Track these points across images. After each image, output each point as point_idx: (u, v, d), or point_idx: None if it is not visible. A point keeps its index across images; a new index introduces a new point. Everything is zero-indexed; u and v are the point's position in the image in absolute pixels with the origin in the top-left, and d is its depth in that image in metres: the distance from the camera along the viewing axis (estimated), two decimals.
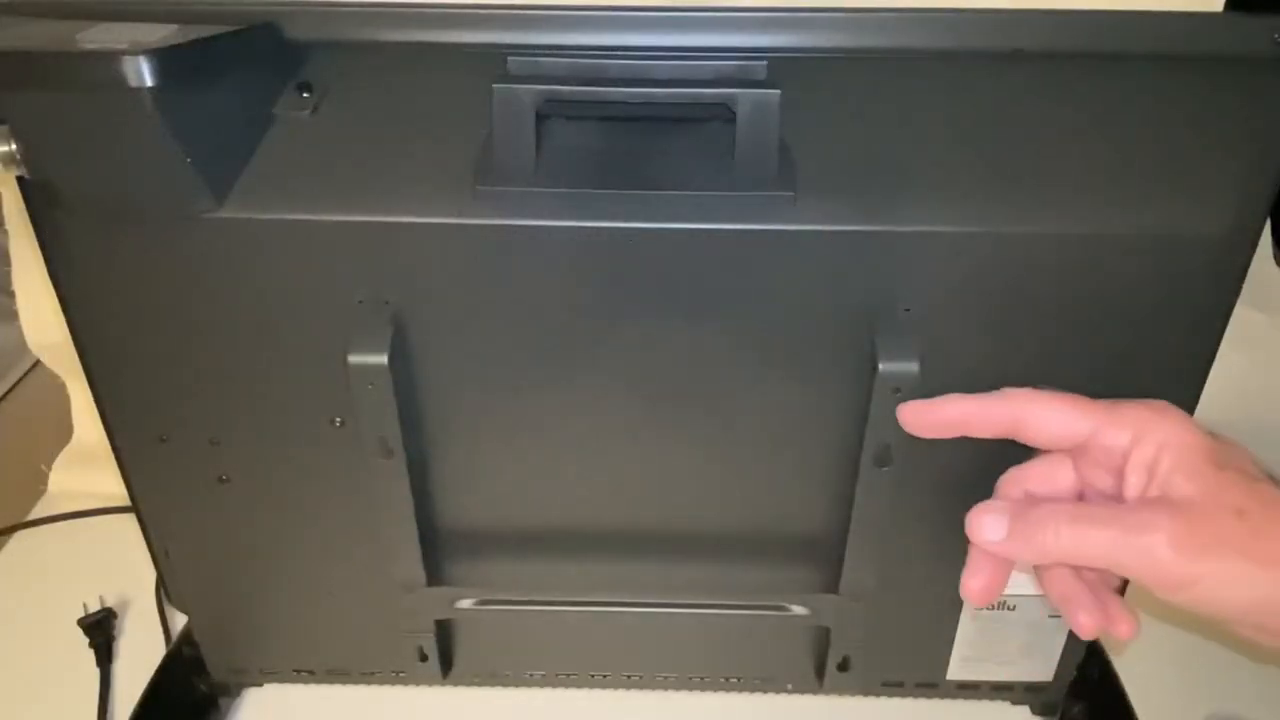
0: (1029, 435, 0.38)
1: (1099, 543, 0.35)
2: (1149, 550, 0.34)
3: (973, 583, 0.40)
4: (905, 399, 0.43)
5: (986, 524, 0.39)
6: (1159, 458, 0.35)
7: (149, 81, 0.37)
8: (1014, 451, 0.48)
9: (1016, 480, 0.42)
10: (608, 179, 0.41)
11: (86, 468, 0.74)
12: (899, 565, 0.50)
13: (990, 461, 0.47)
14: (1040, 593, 0.50)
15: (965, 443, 0.46)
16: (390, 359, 0.42)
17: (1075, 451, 0.37)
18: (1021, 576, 0.52)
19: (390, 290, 0.42)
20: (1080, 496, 0.40)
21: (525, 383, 0.45)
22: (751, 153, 0.40)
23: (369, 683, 0.59)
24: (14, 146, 0.39)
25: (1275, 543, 0.33)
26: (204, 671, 0.58)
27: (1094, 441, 0.37)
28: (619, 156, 0.42)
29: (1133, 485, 0.36)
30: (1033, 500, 0.40)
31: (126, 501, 0.51)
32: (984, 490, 0.49)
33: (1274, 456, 0.77)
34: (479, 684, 0.59)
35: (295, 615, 0.56)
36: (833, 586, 0.51)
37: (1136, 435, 0.36)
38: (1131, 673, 0.57)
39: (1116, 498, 0.38)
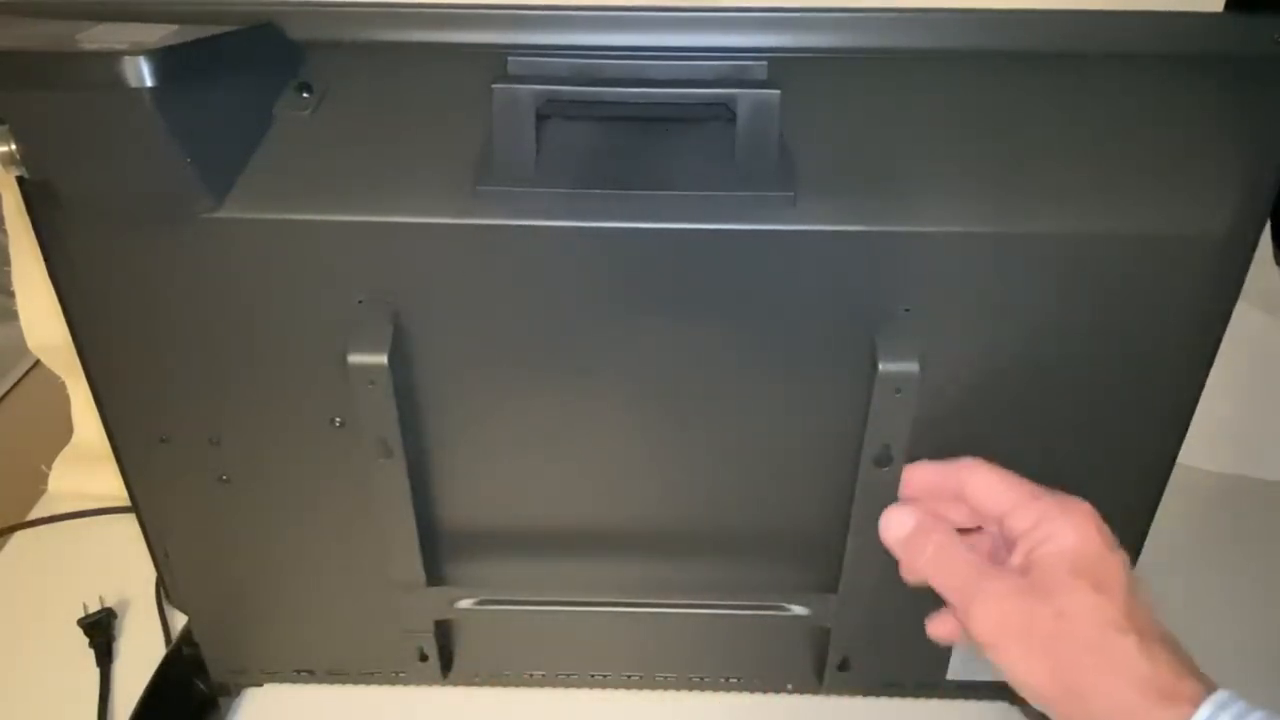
0: (967, 498, 0.42)
1: (948, 579, 0.40)
2: (968, 610, 0.39)
3: (939, 629, 0.43)
4: (906, 399, 0.43)
5: (896, 519, 0.43)
6: (1040, 544, 0.39)
7: (149, 81, 0.37)
8: (1013, 453, 0.48)
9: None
10: (608, 179, 0.41)
11: (86, 468, 0.74)
12: (899, 564, 0.50)
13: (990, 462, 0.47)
14: None
15: (965, 443, 0.46)
16: (390, 359, 0.42)
17: (999, 522, 0.41)
18: None
19: (390, 290, 0.42)
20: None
21: (525, 382, 0.45)
22: (751, 153, 0.40)
23: (369, 683, 0.59)
24: (14, 146, 0.39)
25: (1071, 652, 0.36)
26: (204, 671, 0.58)
27: (1007, 520, 0.41)
28: (619, 157, 0.42)
29: (1014, 557, 0.40)
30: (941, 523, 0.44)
31: (126, 501, 0.51)
32: None
33: (1275, 456, 0.77)
34: (479, 684, 0.59)
35: (295, 615, 0.56)
36: (833, 586, 0.51)
37: (1036, 522, 0.39)
38: None
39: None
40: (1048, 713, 0.38)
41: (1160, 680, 0.35)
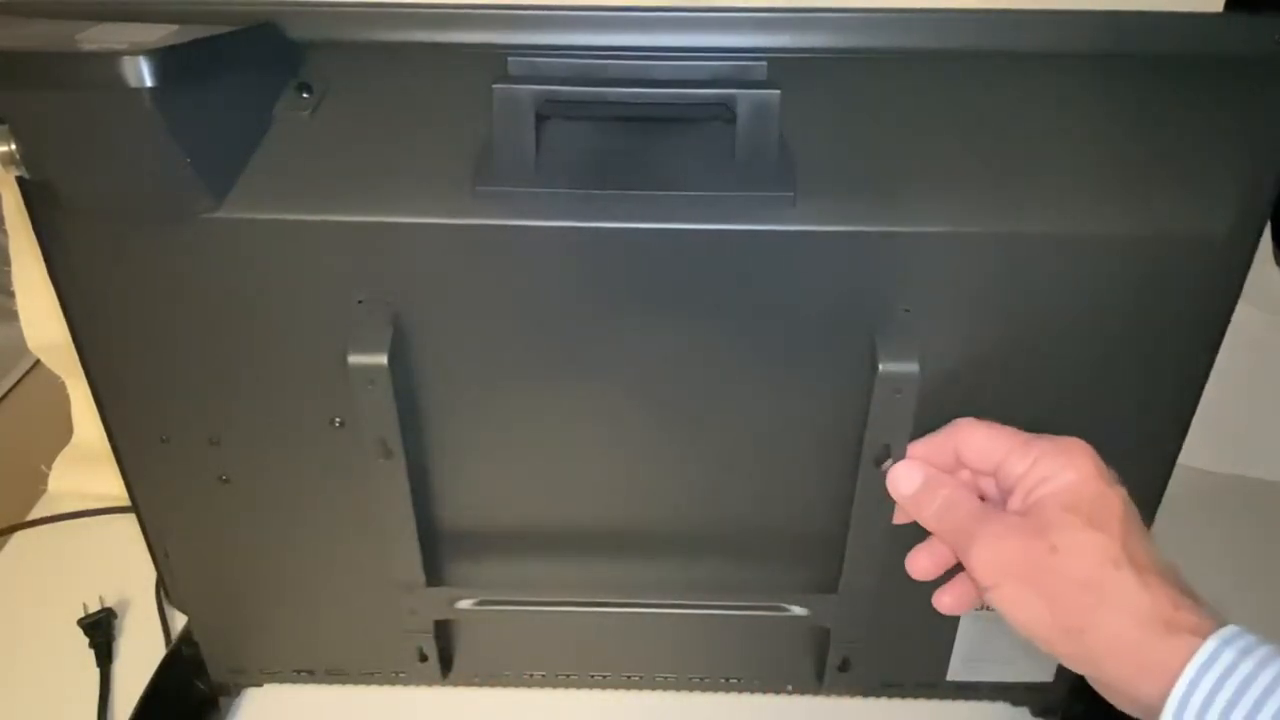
0: (964, 459, 0.42)
1: (951, 527, 0.41)
2: (968, 554, 0.39)
3: (944, 598, 0.44)
4: (906, 399, 0.43)
5: (904, 475, 0.43)
6: (1037, 486, 0.39)
7: (148, 82, 0.37)
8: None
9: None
10: (607, 179, 0.41)
11: (86, 468, 0.74)
12: (899, 565, 0.50)
13: None
14: None
15: None
16: (390, 359, 0.42)
17: (995, 473, 0.42)
18: None
19: (390, 290, 0.42)
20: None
21: (525, 383, 0.45)
22: (751, 153, 0.40)
23: (368, 683, 0.59)
24: (14, 146, 0.39)
25: (1067, 589, 0.36)
26: (204, 671, 0.58)
27: (1002, 467, 0.41)
28: (619, 157, 0.42)
29: (1012, 501, 0.40)
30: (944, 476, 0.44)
31: (126, 501, 0.51)
32: None
33: (1275, 456, 0.77)
34: (478, 684, 0.59)
35: (295, 615, 0.56)
36: (832, 587, 0.51)
37: (1032, 465, 0.39)
38: None
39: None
40: (1050, 653, 0.38)
41: (1160, 612, 0.35)
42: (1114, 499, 0.38)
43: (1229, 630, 0.34)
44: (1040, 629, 0.37)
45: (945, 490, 0.42)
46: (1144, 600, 0.35)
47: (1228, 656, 0.33)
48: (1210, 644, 0.33)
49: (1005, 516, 0.39)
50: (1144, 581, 0.36)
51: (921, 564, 0.44)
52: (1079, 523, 0.37)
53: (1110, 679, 0.36)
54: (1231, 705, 0.32)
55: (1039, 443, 0.40)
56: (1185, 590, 0.37)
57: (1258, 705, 0.32)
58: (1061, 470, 0.39)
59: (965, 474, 0.43)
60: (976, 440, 0.42)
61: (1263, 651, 0.33)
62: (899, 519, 0.45)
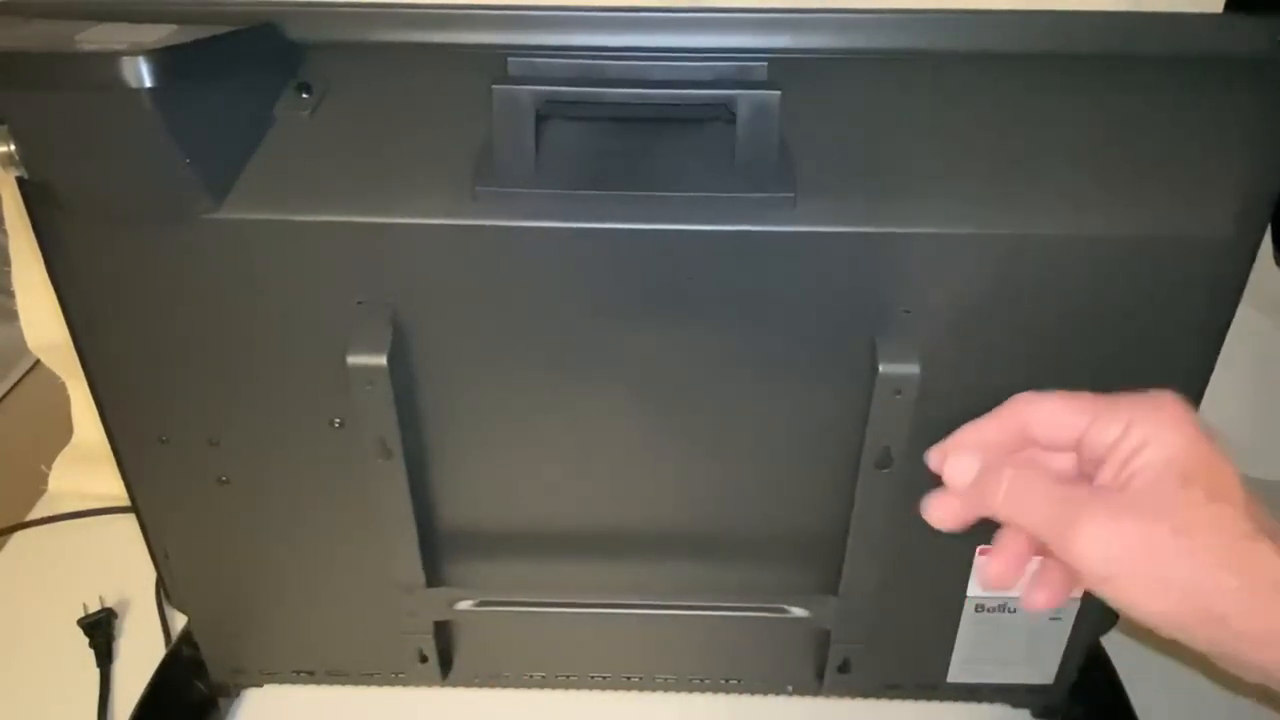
0: (1035, 437, 0.38)
1: (1032, 514, 0.35)
2: (1067, 545, 0.34)
3: (1036, 596, 0.39)
4: (906, 400, 0.43)
5: (960, 465, 0.38)
6: (1136, 453, 0.34)
7: (148, 82, 0.37)
8: None
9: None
10: (607, 180, 0.41)
11: (86, 468, 0.74)
12: (899, 567, 0.50)
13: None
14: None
15: None
16: (389, 360, 0.42)
17: (1078, 447, 0.37)
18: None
19: (390, 291, 0.42)
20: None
21: (524, 383, 0.45)
22: (751, 154, 0.40)
23: (368, 684, 0.59)
24: (13, 146, 0.39)
25: (1201, 573, 0.32)
26: (204, 672, 0.58)
27: (1088, 436, 0.36)
28: (619, 158, 0.42)
29: (1104, 474, 0.35)
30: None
31: (126, 501, 0.51)
32: None
33: (1275, 456, 0.77)
34: (478, 685, 0.59)
35: (295, 616, 0.56)
36: (833, 588, 0.51)
37: (1126, 428, 0.35)
38: (1133, 675, 0.57)
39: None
40: (1183, 640, 0.34)
41: None
42: (1225, 463, 0.34)
43: None
44: (1175, 617, 0.33)
45: (1011, 471, 0.36)
46: None
47: None
48: None
49: (1107, 495, 0.34)
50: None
51: (942, 511, 0.38)
52: (1200, 498, 0.33)
53: (1255, 660, 0.32)
54: None
55: (1125, 403, 0.35)
56: None
57: None
58: (1161, 433, 0.34)
59: (1028, 454, 0.38)
60: (1048, 412, 0.37)
61: None
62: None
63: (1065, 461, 0.38)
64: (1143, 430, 0.34)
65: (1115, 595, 0.34)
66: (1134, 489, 0.34)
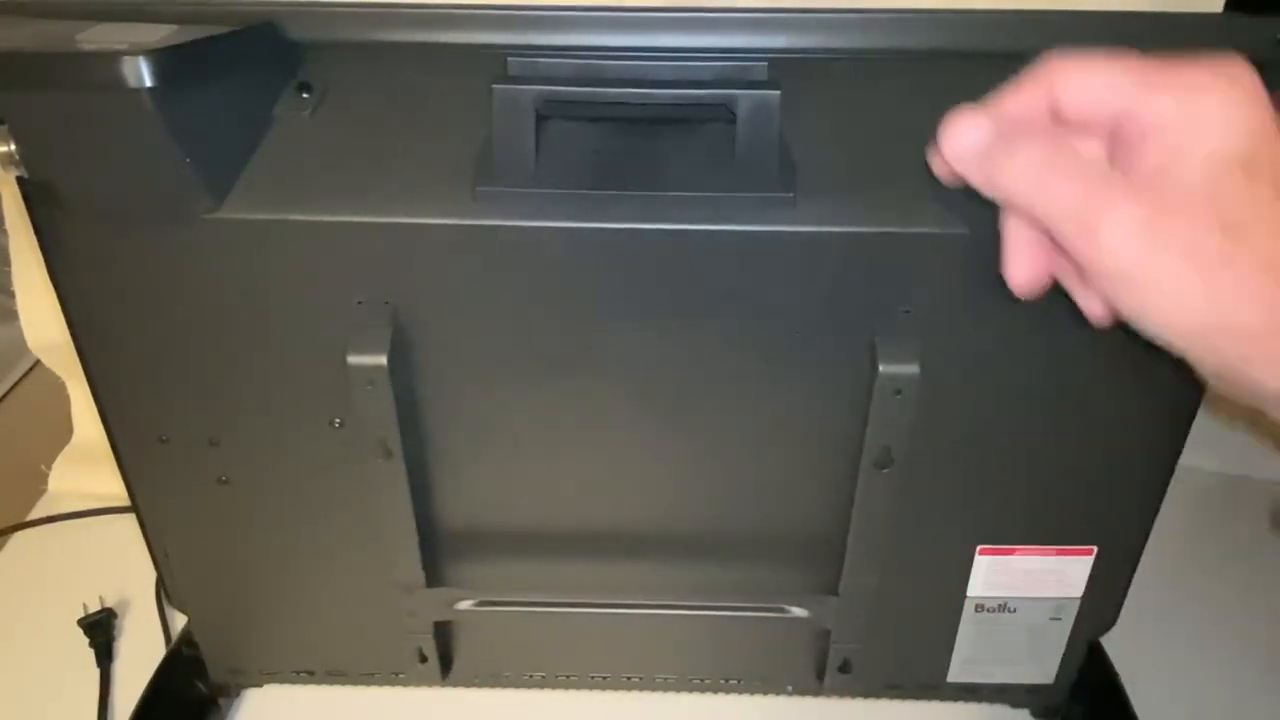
0: (1065, 112, 0.31)
1: (1056, 195, 0.29)
2: (1095, 234, 0.29)
3: (1014, 269, 0.34)
4: (906, 400, 0.43)
5: (967, 131, 0.32)
6: (1188, 136, 0.28)
7: (148, 82, 0.37)
8: (1013, 453, 0.47)
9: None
10: (607, 180, 0.41)
11: (86, 468, 0.74)
12: (899, 567, 0.50)
13: (991, 463, 0.47)
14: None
15: (967, 444, 0.46)
16: (390, 359, 0.42)
17: (1116, 126, 0.30)
18: (1019, 580, 0.52)
19: (390, 290, 0.42)
20: None
21: (525, 383, 0.45)
22: (751, 154, 0.40)
23: (368, 684, 0.59)
24: (13, 146, 0.39)
25: (1250, 281, 0.28)
26: (204, 672, 0.58)
27: (1134, 109, 0.29)
28: (619, 157, 0.42)
29: (1147, 158, 0.29)
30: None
31: (126, 501, 0.51)
32: (985, 491, 0.49)
33: (1275, 456, 0.77)
34: (478, 685, 0.59)
35: (295, 616, 0.56)
36: (833, 588, 0.51)
37: (1183, 104, 0.28)
38: (1133, 675, 0.57)
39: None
40: (1200, 360, 0.30)
41: None
42: None
43: None
44: (1202, 331, 0.29)
45: (1032, 141, 0.30)
46: None
47: None
48: None
49: (1152, 181, 0.28)
50: None
51: (1023, 272, 0.33)
52: (1267, 195, 0.27)
53: (1270, 385, 0.28)
54: None
55: (1184, 72, 0.29)
56: None
57: None
58: (1227, 110, 0.28)
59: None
60: (1084, 79, 0.30)
61: None
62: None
63: (1093, 152, 0.31)
64: (1203, 107, 0.28)
65: (1132, 299, 0.29)
66: (1183, 178, 0.28)
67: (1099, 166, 0.30)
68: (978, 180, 0.32)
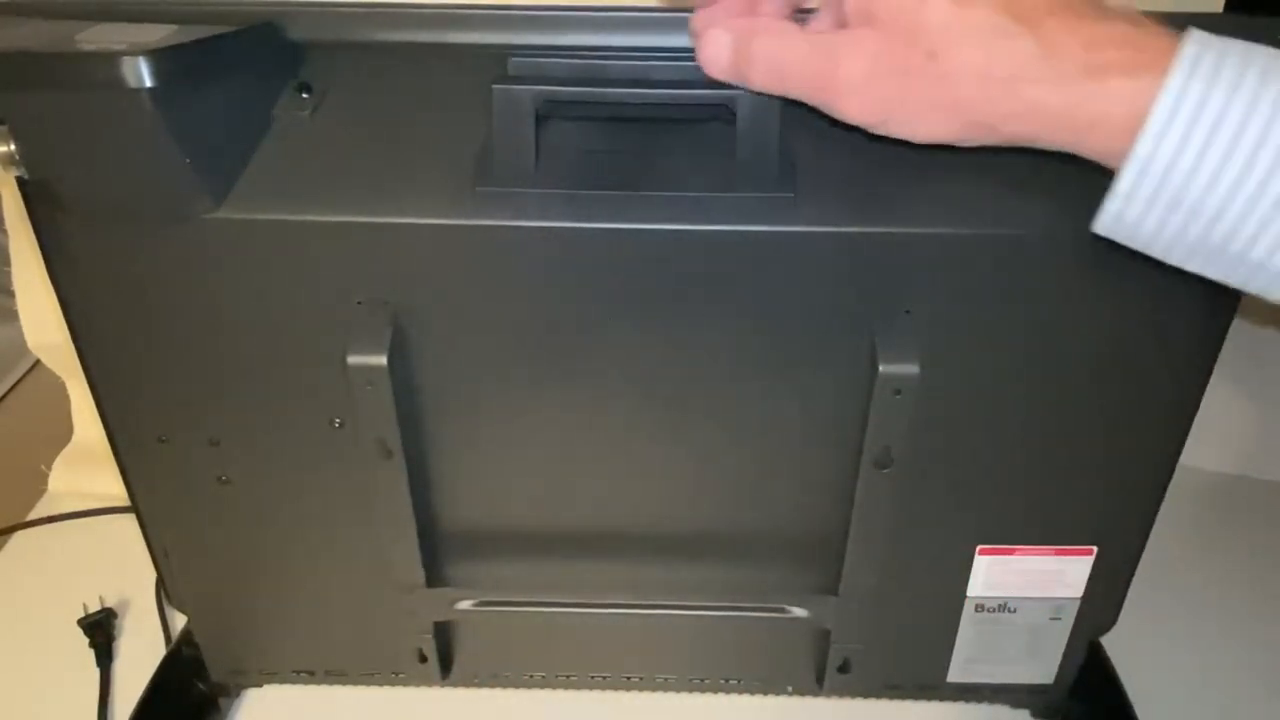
0: None
1: (795, 82, 0.34)
2: (836, 105, 0.33)
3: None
4: (906, 400, 0.43)
5: (713, 48, 0.35)
6: None
7: (148, 82, 0.37)
8: (1014, 453, 0.47)
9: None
10: (608, 180, 0.41)
11: (86, 468, 0.74)
12: (899, 567, 0.50)
13: (991, 463, 0.47)
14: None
15: (965, 444, 0.46)
16: (389, 359, 0.42)
17: None
18: (1019, 580, 0.52)
19: (390, 290, 0.42)
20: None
21: (525, 384, 0.45)
22: (752, 154, 0.40)
23: (368, 684, 0.59)
24: (13, 147, 0.39)
25: (964, 92, 0.31)
26: (204, 672, 0.58)
27: None
28: (619, 158, 0.42)
29: (848, 10, 0.33)
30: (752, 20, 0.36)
31: (126, 501, 0.51)
32: (985, 491, 0.49)
33: (1275, 456, 0.77)
34: (478, 685, 0.59)
35: (295, 616, 0.56)
36: (833, 588, 0.51)
37: None
38: (1133, 675, 0.57)
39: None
40: (884, 128, 0.33)
41: (1073, 64, 0.29)
42: None
43: (1188, 57, 0.29)
44: (957, 136, 0.33)
45: (759, 40, 0.34)
46: (1053, 66, 0.30)
47: (1184, 87, 0.28)
48: (1175, 81, 0.28)
49: (859, 41, 0.32)
50: (1042, 39, 0.30)
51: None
52: (945, 6, 0.30)
53: (1061, 145, 0.32)
54: (1213, 129, 0.28)
55: None
56: (1117, 27, 0.30)
57: (1236, 134, 0.28)
58: None
59: (770, 7, 0.36)
60: None
61: (1231, 63, 0.29)
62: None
63: (826, 16, 0.35)
64: None
65: (899, 133, 0.33)
66: (880, 21, 0.31)
67: (814, 40, 0.33)
68: (735, 82, 0.36)
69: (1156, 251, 0.32)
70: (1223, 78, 0.29)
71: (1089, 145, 0.31)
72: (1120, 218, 0.31)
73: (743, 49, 0.34)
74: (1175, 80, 0.29)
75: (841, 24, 0.34)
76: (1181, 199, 0.30)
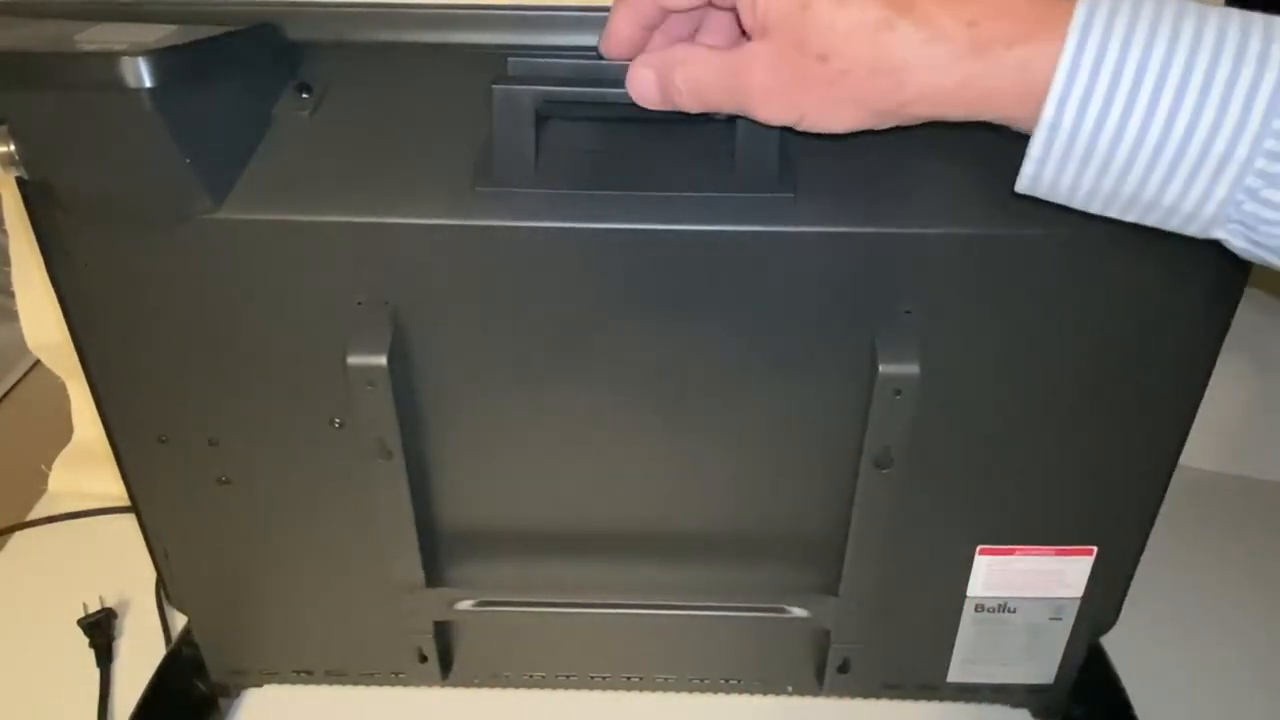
0: (669, 4, 0.37)
1: (717, 101, 0.36)
2: (750, 112, 0.35)
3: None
4: (906, 400, 0.43)
5: (642, 86, 0.37)
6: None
7: (147, 82, 0.37)
8: (1014, 453, 0.47)
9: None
10: (607, 180, 0.41)
11: (86, 468, 0.74)
12: (899, 567, 0.50)
13: (991, 463, 0.47)
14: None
15: (965, 443, 0.46)
16: (389, 360, 0.42)
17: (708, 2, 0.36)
18: (1019, 580, 0.52)
19: (390, 291, 0.42)
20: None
21: (524, 384, 0.45)
22: (752, 154, 0.40)
23: (368, 684, 0.59)
24: (13, 147, 0.39)
25: (859, 86, 0.32)
26: (204, 672, 0.58)
27: None
28: (618, 158, 0.42)
29: (745, 24, 0.35)
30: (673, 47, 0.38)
31: (126, 501, 0.51)
32: (985, 491, 0.49)
33: (1275, 456, 0.77)
34: (478, 685, 0.59)
35: (295, 616, 0.56)
36: (833, 588, 0.51)
37: None
38: (1133, 675, 0.57)
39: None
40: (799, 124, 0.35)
41: (960, 44, 0.31)
42: None
43: (1069, 27, 0.30)
44: (866, 125, 0.34)
45: (680, 71, 0.36)
46: (938, 49, 0.31)
47: (1079, 48, 0.29)
48: (1070, 42, 0.29)
49: (758, 52, 0.34)
50: (923, 24, 0.31)
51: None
52: (826, 10, 0.32)
53: (968, 118, 0.33)
54: (1115, 79, 0.29)
55: None
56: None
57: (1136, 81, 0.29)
58: None
59: (674, 20, 0.38)
60: None
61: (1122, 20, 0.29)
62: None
63: (723, 24, 0.38)
64: None
65: (818, 129, 0.35)
66: (773, 33, 0.33)
67: (723, 58, 0.35)
68: (675, 105, 0.37)
69: (1077, 204, 0.33)
70: (1115, 33, 0.29)
71: (992, 116, 0.33)
72: (1037, 178, 0.33)
73: (665, 82, 0.37)
74: (1071, 42, 0.30)
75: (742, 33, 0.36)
76: (1091, 154, 0.31)
